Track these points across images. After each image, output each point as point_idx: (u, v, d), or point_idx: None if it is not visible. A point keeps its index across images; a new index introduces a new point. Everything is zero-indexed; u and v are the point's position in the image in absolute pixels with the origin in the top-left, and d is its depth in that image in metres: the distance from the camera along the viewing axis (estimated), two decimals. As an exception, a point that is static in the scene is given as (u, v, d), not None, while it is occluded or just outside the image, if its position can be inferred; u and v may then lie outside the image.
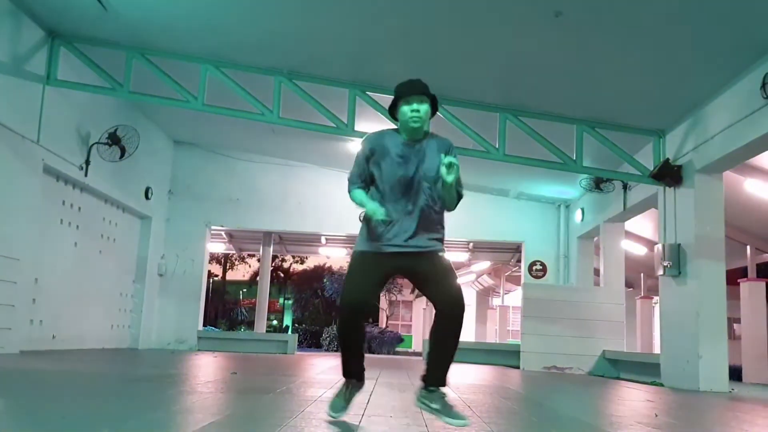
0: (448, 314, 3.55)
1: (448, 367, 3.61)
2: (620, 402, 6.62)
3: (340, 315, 3.70)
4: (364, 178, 3.82)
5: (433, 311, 3.62)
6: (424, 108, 3.70)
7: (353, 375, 3.82)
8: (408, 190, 3.68)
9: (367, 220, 3.71)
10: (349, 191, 3.84)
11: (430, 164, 3.67)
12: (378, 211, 3.54)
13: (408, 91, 3.71)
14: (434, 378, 3.59)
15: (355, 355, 3.79)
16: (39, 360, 7.96)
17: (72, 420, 3.41)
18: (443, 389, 3.59)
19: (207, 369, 8.24)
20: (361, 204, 3.68)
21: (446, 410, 3.50)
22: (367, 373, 3.93)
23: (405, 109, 3.70)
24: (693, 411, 6.06)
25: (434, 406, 3.54)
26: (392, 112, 3.84)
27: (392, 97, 3.82)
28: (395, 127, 3.84)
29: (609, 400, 6.94)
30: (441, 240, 3.77)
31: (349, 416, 3.78)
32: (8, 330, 8.81)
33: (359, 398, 4.05)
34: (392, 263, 3.68)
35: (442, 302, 3.59)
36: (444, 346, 3.59)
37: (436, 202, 3.71)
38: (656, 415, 4.99)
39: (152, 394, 4.84)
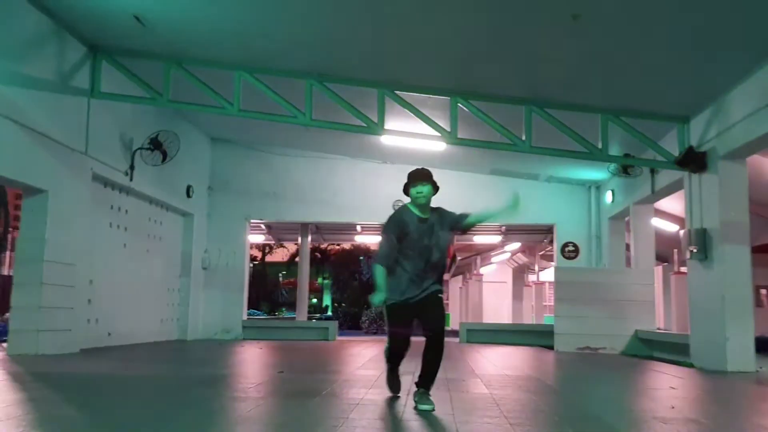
0: (434, 337, 4.93)
1: (434, 377, 5.02)
2: (645, 391, 6.96)
3: (390, 354, 5.24)
4: (390, 261, 5.02)
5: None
6: (427, 189, 5.00)
7: (391, 390, 5.45)
8: (426, 254, 5.03)
9: (396, 279, 5.03)
10: (375, 266, 5.05)
11: (440, 236, 5.05)
12: (378, 300, 4.91)
13: (414, 177, 5.03)
14: (425, 384, 4.98)
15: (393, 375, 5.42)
16: (98, 360, 8.57)
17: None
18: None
19: (255, 366, 8.78)
20: (377, 283, 4.94)
21: (421, 400, 4.86)
22: (403, 366, 5.32)
23: (413, 191, 5.04)
24: (715, 401, 6.38)
25: (416, 398, 4.92)
26: (406, 191, 5.13)
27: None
28: (406, 202, 5.16)
29: (634, 389, 7.29)
30: (441, 282, 5.22)
31: (385, 426, 4.22)
32: (69, 331, 9.47)
33: (397, 402, 5.09)
34: (414, 306, 5.04)
35: (431, 328, 4.97)
36: (434, 362, 4.96)
37: (441, 259, 5.08)
38: (672, 407, 5.34)
39: (207, 401, 5.33)
